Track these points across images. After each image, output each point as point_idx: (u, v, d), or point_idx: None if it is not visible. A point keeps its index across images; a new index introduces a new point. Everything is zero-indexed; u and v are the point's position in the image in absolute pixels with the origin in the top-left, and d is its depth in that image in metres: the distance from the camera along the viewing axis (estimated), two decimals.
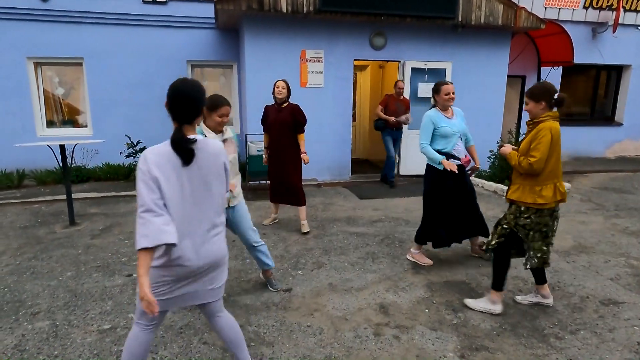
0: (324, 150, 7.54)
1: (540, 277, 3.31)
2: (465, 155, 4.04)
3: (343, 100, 7.58)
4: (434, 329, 3.05)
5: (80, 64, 7.78)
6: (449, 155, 3.90)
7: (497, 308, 3.23)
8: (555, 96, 2.88)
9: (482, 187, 7.40)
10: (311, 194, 6.81)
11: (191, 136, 1.96)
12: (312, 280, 3.80)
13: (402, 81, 7.27)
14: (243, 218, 3.34)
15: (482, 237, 4.26)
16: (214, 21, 7.81)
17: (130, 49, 7.74)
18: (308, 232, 4.98)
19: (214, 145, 2.05)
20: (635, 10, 9.97)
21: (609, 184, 7.82)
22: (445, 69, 7.81)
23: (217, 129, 3.12)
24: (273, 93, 4.77)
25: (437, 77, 7.80)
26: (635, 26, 10.13)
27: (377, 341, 2.90)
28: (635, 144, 10.85)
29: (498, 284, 3.22)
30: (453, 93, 3.85)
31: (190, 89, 1.96)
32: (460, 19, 7.28)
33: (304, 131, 4.87)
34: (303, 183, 5.12)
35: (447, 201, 3.98)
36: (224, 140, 3.18)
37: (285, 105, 4.74)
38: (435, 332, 3.01)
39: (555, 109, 2.96)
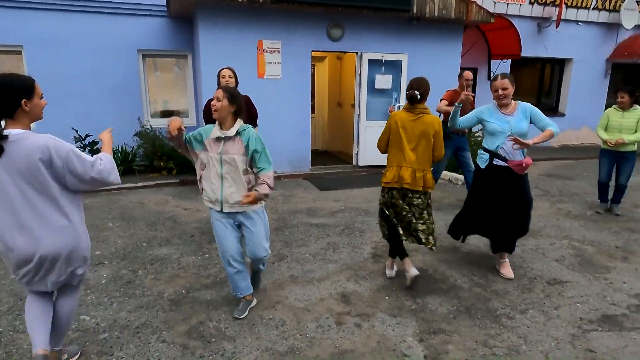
0: (283, 142, 7.49)
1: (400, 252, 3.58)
2: (522, 160, 3.48)
3: (301, 92, 7.54)
4: (394, 316, 3.12)
5: (20, 53, 7.26)
6: (494, 155, 3.56)
7: (391, 273, 3.72)
8: (406, 92, 3.32)
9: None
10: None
11: (6, 131, 1.99)
12: (274, 273, 3.78)
13: (469, 72, 5.75)
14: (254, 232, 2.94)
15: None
16: (165, 9, 7.51)
17: (75, 37, 7.29)
18: None
19: (32, 143, 1.99)
20: (576, 7, 10.56)
21: (553, 171, 8.29)
22: (402, 61, 7.94)
23: (221, 122, 2.81)
24: (218, 84, 4.34)
25: (394, 68, 7.93)
26: (576, 21, 10.73)
27: (339, 330, 2.94)
28: (576, 133, 11.55)
29: (391, 252, 3.66)
30: (503, 89, 3.46)
31: (3, 81, 2.00)
32: (415, 12, 7.41)
33: (256, 125, 4.71)
34: None
35: (488, 202, 3.64)
36: (227, 138, 2.78)
37: None
38: (395, 319, 3.09)
39: (408, 102, 3.33)
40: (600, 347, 2.74)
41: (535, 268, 3.92)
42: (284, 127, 7.46)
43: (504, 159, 3.51)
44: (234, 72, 4.37)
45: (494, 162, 3.58)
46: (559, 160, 9.40)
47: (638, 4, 10.93)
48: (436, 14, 7.56)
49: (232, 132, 2.76)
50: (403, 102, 7.97)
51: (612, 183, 5.54)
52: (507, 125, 3.48)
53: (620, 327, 2.99)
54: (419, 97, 3.26)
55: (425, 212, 3.42)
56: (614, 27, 11.04)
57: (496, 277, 3.74)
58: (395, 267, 3.74)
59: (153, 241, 4.50)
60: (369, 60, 7.73)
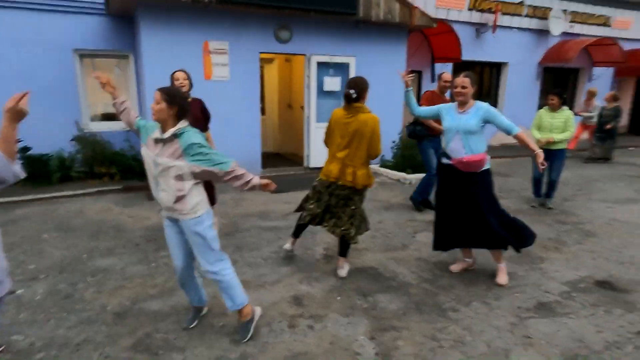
0: (232, 145, 7.35)
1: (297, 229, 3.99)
2: (465, 156, 3.44)
3: (250, 94, 7.46)
4: (346, 315, 3.16)
5: None
6: (443, 154, 3.64)
7: (287, 246, 4.07)
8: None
9: (387, 176, 7.83)
10: (221, 190, 6.61)
11: None
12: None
13: (448, 72, 5.81)
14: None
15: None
16: (103, 7, 7.14)
17: (5, 35, 6.76)
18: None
19: None
20: (510, 14, 11.23)
21: (493, 169, 8.71)
22: (349, 63, 8.07)
23: (162, 125, 2.53)
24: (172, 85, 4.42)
25: (342, 71, 8.05)
26: (510, 28, 11.41)
27: (291, 333, 2.93)
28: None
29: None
30: (463, 87, 3.40)
31: None
32: (361, 15, 7.56)
33: (208, 128, 4.65)
34: None
35: (444, 203, 3.71)
36: (165, 140, 2.50)
37: (189, 99, 4.46)
38: (347, 318, 3.13)
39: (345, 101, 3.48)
40: (536, 333, 2.93)
41: (478, 262, 4.12)
42: (233, 129, 7.34)
43: (449, 157, 3.55)
44: (187, 75, 4.28)
45: (442, 161, 3.65)
46: (498, 159, 9.94)
47: (564, 12, 11.82)
48: (381, 18, 7.76)
49: (167, 134, 2.47)
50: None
51: (545, 179, 5.94)
52: (456, 123, 3.48)
53: (553, 313, 3.21)
54: (354, 96, 3.37)
55: (348, 206, 3.56)
56: (543, 33, 11.86)
57: (443, 272, 3.89)
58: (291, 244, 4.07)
59: (94, 252, 4.26)
60: (318, 63, 7.79)
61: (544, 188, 5.98)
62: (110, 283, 3.61)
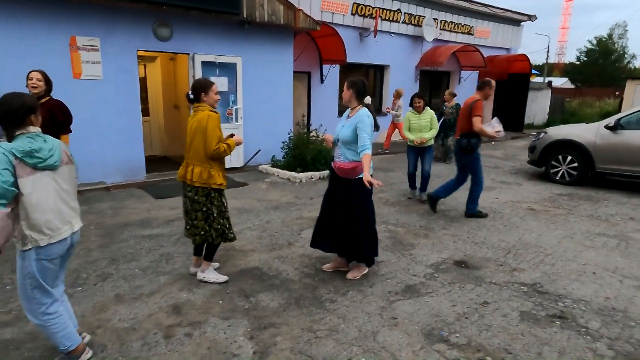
0: (110, 149, 6.83)
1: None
2: (339, 162, 3.57)
3: (128, 94, 6.97)
4: (226, 318, 3.15)
5: None
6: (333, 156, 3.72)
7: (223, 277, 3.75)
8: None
9: (278, 175, 7.93)
10: (98, 200, 6.10)
11: None
12: (95, 295, 3.45)
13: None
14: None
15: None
16: None
17: None
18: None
19: None
20: (389, 20, 12.11)
21: (378, 165, 9.38)
22: (236, 64, 7.99)
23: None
24: (27, 87, 4.00)
25: (229, 71, 7.94)
26: (390, 33, 12.31)
27: (167, 344, 2.84)
28: (396, 131, 13.26)
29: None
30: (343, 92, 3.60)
31: None
32: (245, 16, 7.53)
33: (69, 131, 4.26)
34: (86, 188, 4.52)
35: (325, 204, 3.83)
36: None
37: (44, 100, 4.05)
38: (227, 321, 3.12)
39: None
40: (401, 314, 3.23)
41: None
42: (110, 132, 6.80)
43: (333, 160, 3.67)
44: (43, 75, 4.00)
45: (331, 164, 3.72)
46: (382, 155, 10.68)
47: (435, 21, 13.10)
48: (266, 19, 7.82)
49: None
50: (240, 104, 8.04)
51: (418, 174, 6.54)
52: (339, 129, 3.56)
53: (417, 293, 3.57)
54: (191, 97, 3.47)
55: (200, 209, 3.52)
56: (419, 39, 13.02)
57: (325, 264, 4.07)
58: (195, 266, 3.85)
59: None
60: (203, 62, 7.58)
61: (418, 182, 6.58)
62: None
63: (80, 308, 3.23)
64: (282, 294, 3.54)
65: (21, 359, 2.65)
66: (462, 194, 6.82)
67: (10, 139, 2.26)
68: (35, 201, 2.23)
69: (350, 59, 10.86)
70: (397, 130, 10.30)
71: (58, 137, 4.03)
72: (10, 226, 2.17)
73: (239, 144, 3.62)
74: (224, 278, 3.72)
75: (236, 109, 8.02)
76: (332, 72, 11.26)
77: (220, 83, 7.79)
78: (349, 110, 3.66)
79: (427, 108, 6.27)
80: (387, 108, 10.63)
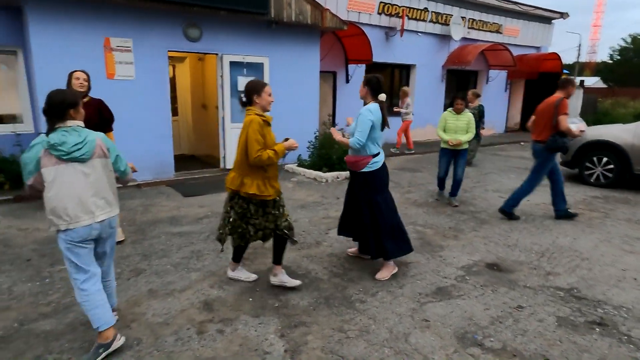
0: (141, 148, 6.98)
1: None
2: (348, 155, 3.87)
3: (159, 94, 7.12)
4: (256, 316, 3.17)
5: None
6: None
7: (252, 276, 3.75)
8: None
9: (304, 175, 7.95)
10: (129, 197, 6.26)
11: None
12: (129, 290, 3.52)
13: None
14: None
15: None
16: None
17: None
18: (123, 240, 4.52)
19: None
20: (416, 19, 11.98)
21: (404, 165, 9.29)
22: (263, 63, 8.05)
23: None
24: (70, 86, 4.05)
25: (256, 71, 8.00)
26: (417, 32, 12.17)
27: (200, 339, 2.87)
28: (422, 130, 13.11)
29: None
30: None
31: None
32: (272, 16, 7.58)
33: (112, 129, 4.42)
34: (118, 185, 4.63)
35: (347, 194, 4.07)
36: None
37: (87, 100, 4.17)
38: (258, 319, 3.13)
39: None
40: (432, 316, 3.18)
41: None
42: (141, 131, 6.96)
43: None
44: (88, 75, 4.14)
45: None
46: (409, 156, 10.57)
47: (463, 19, 12.88)
48: (293, 19, 7.85)
49: None
50: None
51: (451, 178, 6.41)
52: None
53: (449, 296, 3.50)
54: (243, 99, 3.31)
55: (247, 217, 3.38)
56: (446, 38, 12.82)
57: (352, 266, 4.05)
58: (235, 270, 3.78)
59: None
60: (231, 62, 7.67)
61: (449, 187, 6.27)
62: None
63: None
64: (312, 293, 3.53)
65: (61, 350, 2.73)
66: (491, 195, 6.68)
67: (50, 131, 2.49)
68: (55, 189, 2.45)
69: (376, 58, 10.79)
70: (406, 128, 10.51)
71: (108, 132, 4.23)
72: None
73: (290, 148, 3.30)
74: (253, 277, 3.72)
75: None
76: (358, 71, 11.22)
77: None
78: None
79: (466, 110, 5.99)
80: (396, 107, 10.50)
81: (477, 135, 8.84)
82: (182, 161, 8.52)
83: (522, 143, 13.11)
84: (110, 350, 2.63)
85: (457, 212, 5.83)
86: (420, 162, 9.73)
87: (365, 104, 3.74)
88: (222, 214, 3.52)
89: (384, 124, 3.67)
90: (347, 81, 11.20)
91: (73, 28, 6.17)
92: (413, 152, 10.68)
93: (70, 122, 2.51)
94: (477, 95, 9.21)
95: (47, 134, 2.47)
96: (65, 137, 2.45)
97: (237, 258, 3.71)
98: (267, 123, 3.28)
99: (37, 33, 5.93)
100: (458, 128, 5.92)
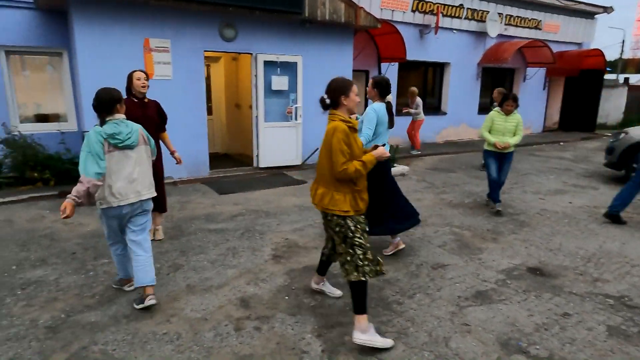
0: (178, 146, 6.92)
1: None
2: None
3: (195, 93, 7.26)
4: (293, 314, 3.17)
5: None
6: None
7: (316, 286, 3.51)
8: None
9: None
10: (166, 194, 6.39)
11: None
12: (168, 285, 3.59)
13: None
14: None
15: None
16: (31, 0, 6.67)
17: None
18: (162, 239, 4.59)
19: None
20: (451, 16, 11.72)
21: (438, 165, 9.11)
22: (297, 63, 8.07)
23: None
24: (131, 85, 4.10)
25: (290, 70, 8.03)
26: (451, 29, 11.91)
27: (238, 336, 2.89)
28: (456, 130, 12.83)
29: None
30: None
31: None
32: (307, 15, 7.58)
33: (164, 130, 4.55)
34: None
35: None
36: None
37: (146, 100, 4.25)
38: (294, 317, 3.13)
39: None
40: (473, 321, 3.08)
41: (421, 255, 4.27)
42: (178, 130, 7.08)
43: None
44: (147, 75, 4.24)
45: None
46: (442, 155, 10.36)
47: (499, 16, 12.50)
48: (327, 18, 7.82)
49: None
50: (300, 103, 8.11)
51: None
52: None
53: (490, 300, 3.39)
54: (327, 101, 2.80)
55: (337, 238, 2.84)
56: (482, 35, 12.48)
57: (388, 267, 3.98)
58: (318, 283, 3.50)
59: (25, 263, 3.98)
60: (265, 62, 7.72)
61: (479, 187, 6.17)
62: (42, 295, 3.39)
63: (155, 296, 3.38)
64: (347, 293, 3.48)
65: (105, 341, 2.81)
66: (530, 197, 6.45)
67: (102, 124, 2.96)
68: (113, 172, 2.96)
69: (410, 56, 10.61)
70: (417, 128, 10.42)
71: (163, 132, 4.41)
72: (95, 194, 2.90)
73: (381, 158, 2.83)
74: (389, 343, 2.78)
75: (296, 108, 8.10)
76: (391, 70, 11.07)
77: (281, 82, 7.92)
78: None
79: (515, 111, 5.50)
80: (405, 108, 10.26)
81: None
82: (216, 159, 8.65)
83: (561, 143, 12.62)
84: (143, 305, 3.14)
85: (494, 213, 5.64)
86: (454, 162, 9.51)
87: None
88: (349, 244, 2.80)
89: (391, 122, 4.06)
90: None
91: (115, 30, 6.37)
92: (419, 152, 10.29)
93: (117, 115, 3.00)
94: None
95: (100, 126, 2.94)
96: (118, 128, 2.95)
97: (322, 270, 3.43)
98: (354, 129, 2.81)
99: (81, 35, 6.16)
100: (506, 130, 5.47)
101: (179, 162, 4.47)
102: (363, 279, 2.76)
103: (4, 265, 3.92)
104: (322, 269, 3.43)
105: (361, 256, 2.77)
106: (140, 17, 6.54)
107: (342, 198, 2.76)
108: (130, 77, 4.12)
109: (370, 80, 4.06)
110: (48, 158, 6.68)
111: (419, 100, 10.11)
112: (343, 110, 2.82)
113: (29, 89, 7.29)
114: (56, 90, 7.46)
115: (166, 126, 4.63)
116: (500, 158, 5.60)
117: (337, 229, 2.81)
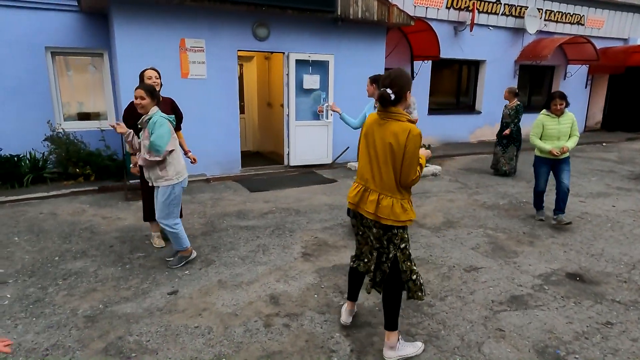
0: (211, 144, 7.29)
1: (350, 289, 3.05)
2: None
3: (228, 92, 7.38)
4: (322, 313, 3.16)
5: None
6: None
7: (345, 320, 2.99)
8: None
9: None
10: (199, 190, 6.55)
11: None
12: (200, 280, 3.67)
13: None
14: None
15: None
16: (76, 3, 6.97)
17: None
18: (164, 246, 4.41)
19: None
20: (487, 12, 11.39)
21: (471, 165, 8.88)
22: (329, 61, 8.06)
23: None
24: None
25: (321, 69, 8.03)
26: (487, 26, 11.58)
27: (267, 332, 2.92)
28: (491, 129, 12.43)
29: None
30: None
31: None
32: (339, 13, 7.56)
33: (180, 128, 4.58)
34: (190, 179, 4.85)
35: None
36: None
37: (163, 97, 4.38)
38: (323, 316, 3.13)
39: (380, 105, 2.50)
40: (508, 326, 2.98)
41: (454, 257, 4.17)
42: (212, 128, 7.26)
43: None
44: (159, 73, 4.24)
45: None
46: (476, 155, 10.09)
47: (539, 11, 12.05)
48: (360, 16, 7.77)
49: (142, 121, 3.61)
50: (331, 102, 8.10)
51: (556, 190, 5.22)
52: None
53: (525, 305, 3.27)
54: (392, 97, 2.37)
55: (383, 248, 2.55)
56: (519, 31, 12.06)
57: (419, 268, 3.91)
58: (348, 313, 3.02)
59: (66, 254, 4.16)
60: (296, 61, 7.76)
61: (546, 201, 5.41)
62: (81, 286, 3.53)
63: (187, 290, 3.46)
64: (377, 293, 3.44)
65: (140, 332, 2.90)
66: (571, 199, 6.18)
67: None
68: (178, 153, 3.70)
69: (444, 54, 10.39)
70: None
71: (178, 130, 4.41)
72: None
73: (428, 159, 2.74)
74: (419, 348, 2.71)
75: (327, 106, 8.09)
76: (424, 68, 10.89)
77: (312, 80, 7.93)
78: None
79: (567, 110, 4.95)
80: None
81: (517, 141, 7.78)
82: (248, 157, 8.77)
83: (604, 144, 12.04)
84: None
85: (531, 216, 5.45)
86: (487, 162, 9.22)
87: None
88: (413, 261, 2.63)
89: None
90: (413, 78, 10.91)
91: (153, 30, 6.56)
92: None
93: (155, 108, 3.62)
94: (515, 94, 8.06)
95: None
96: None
97: (353, 296, 2.99)
98: None
99: (121, 36, 6.38)
100: (561, 133, 4.87)
101: (193, 161, 4.39)
102: (425, 298, 2.67)
103: (49, 256, 4.11)
104: (354, 293, 2.96)
105: (417, 271, 2.64)
106: (176, 18, 6.71)
107: (409, 206, 2.50)
108: (141, 76, 4.15)
109: (369, 78, 4.47)
110: (89, 154, 6.96)
111: (413, 99, 9.82)
112: (401, 109, 2.46)
113: (72, 89, 7.63)
114: (97, 90, 7.77)
115: (196, 124, 4.68)
116: (555, 165, 5.01)
117: (403, 245, 2.54)
